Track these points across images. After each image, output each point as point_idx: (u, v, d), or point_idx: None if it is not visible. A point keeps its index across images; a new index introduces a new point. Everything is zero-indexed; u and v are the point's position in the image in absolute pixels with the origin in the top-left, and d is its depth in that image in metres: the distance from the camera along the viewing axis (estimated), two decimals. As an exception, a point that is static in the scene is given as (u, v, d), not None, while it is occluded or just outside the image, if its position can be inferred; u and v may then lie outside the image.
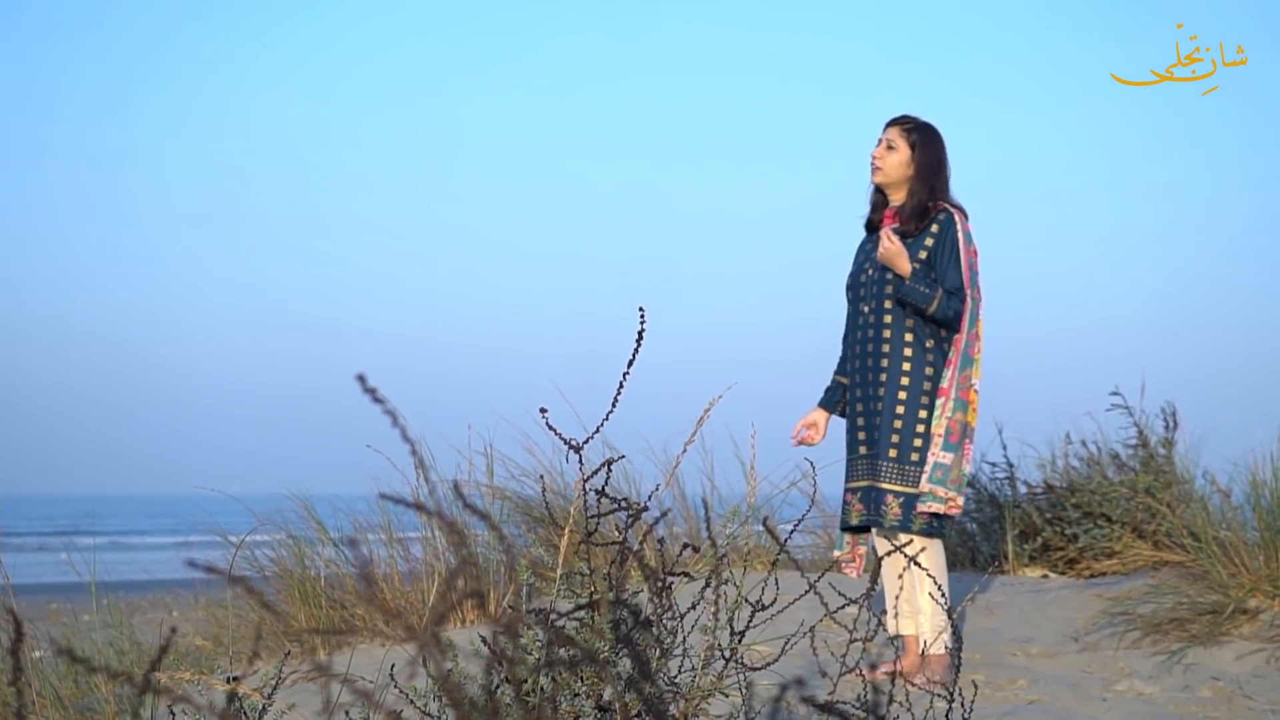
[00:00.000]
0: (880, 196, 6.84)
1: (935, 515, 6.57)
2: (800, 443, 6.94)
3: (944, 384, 6.58)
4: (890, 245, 6.48)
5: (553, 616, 3.28)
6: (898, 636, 6.71)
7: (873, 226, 6.87)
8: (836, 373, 6.95)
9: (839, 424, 6.93)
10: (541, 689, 3.57)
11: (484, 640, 2.46)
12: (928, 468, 6.55)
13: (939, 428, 6.57)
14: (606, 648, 3.35)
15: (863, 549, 6.89)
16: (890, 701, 2.44)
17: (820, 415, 6.92)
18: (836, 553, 6.89)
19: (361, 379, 1.92)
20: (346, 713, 2.93)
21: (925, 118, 6.77)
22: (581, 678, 3.70)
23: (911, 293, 6.49)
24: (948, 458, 6.58)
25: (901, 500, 6.53)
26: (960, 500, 6.63)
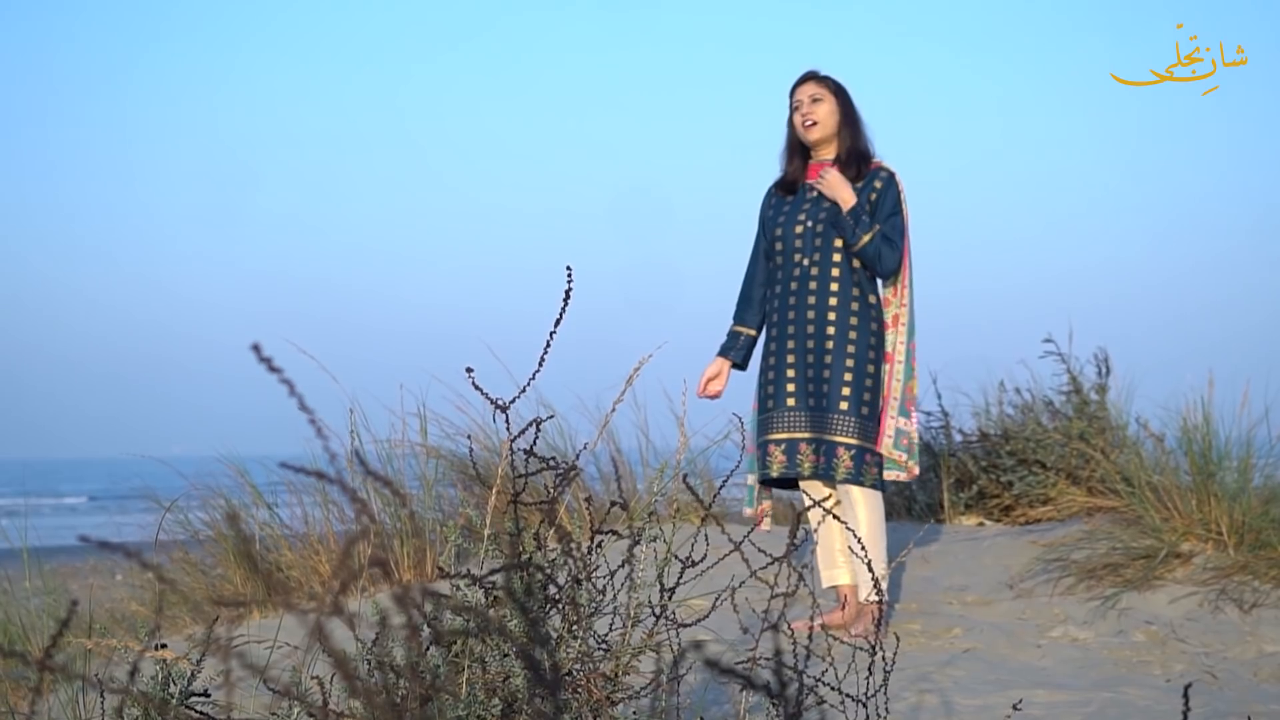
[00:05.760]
0: (801, 159, 6.84)
1: (882, 468, 6.61)
2: (704, 395, 6.92)
3: (892, 350, 6.64)
4: (832, 174, 6.49)
5: (463, 581, 3.26)
6: (834, 587, 6.74)
7: (793, 187, 6.85)
8: (739, 324, 6.92)
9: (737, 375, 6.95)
10: (471, 650, 3.55)
11: (412, 602, 2.43)
12: (889, 433, 6.61)
13: (893, 392, 6.64)
14: (512, 614, 3.32)
15: (768, 503, 6.93)
16: (809, 656, 2.43)
17: (724, 365, 6.89)
18: (747, 510, 6.89)
19: (256, 348, 1.89)
20: (262, 679, 2.90)
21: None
22: (511, 639, 3.68)
23: (846, 222, 6.52)
24: (904, 423, 6.66)
25: (853, 453, 6.54)
26: (916, 467, 6.72)
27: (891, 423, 6.63)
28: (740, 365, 6.89)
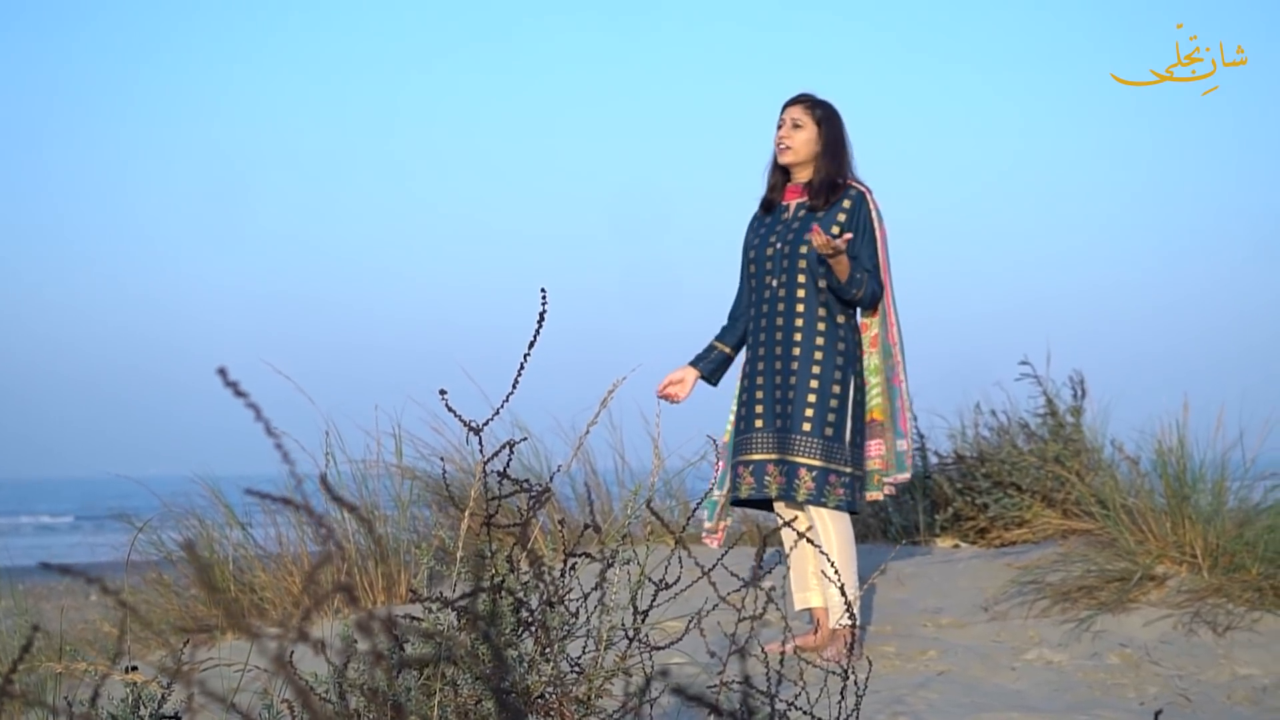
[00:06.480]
0: (781, 176, 6.85)
1: (849, 489, 6.60)
2: (663, 397, 6.92)
3: (882, 372, 6.65)
4: (832, 249, 6.41)
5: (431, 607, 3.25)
6: (807, 610, 6.74)
7: (771, 206, 6.86)
8: (717, 339, 6.93)
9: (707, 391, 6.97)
10: (443, 674, 3.55)
11: (376, 629, 2.42)
12: (892, 455, 6.65)
13: (898, 412, 6.67)
14: (480, 639, 3.32)
15: (727, 522, 6.94)
16: (780, 680, 2.42)
17: (690, 374, 6.90)
18: (706, 524, 6.92)
19: (223, 372, 1.88)
20: (226, 705, 2.90)
21: (823, 96, 6.82)
22: (482, 661, 3.68)
23: (843, 289, 6.51)
24: (904, 445, 6.69)
25: (815, 474, 6.53)
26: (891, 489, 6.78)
27: (904, 442, 6.68)
28: (708, 378, 6.90)
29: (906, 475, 6.72)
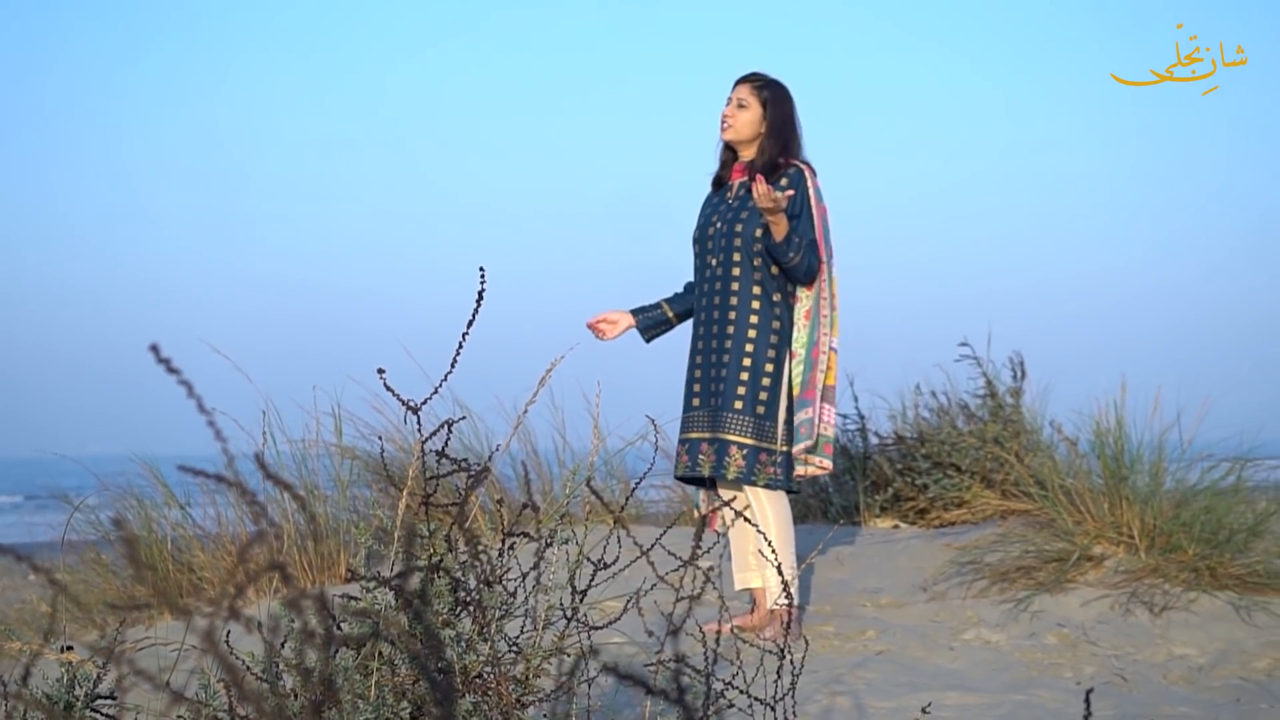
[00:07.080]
0: (729, 154, 6.84)
1: (782, 468, 6.58)
2: (591, 328, 6.91)
3: (817, 343, 6.62)
4: (772, 201, 6.39)
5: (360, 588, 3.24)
6: (747, 590, 6.75)
7: (720, 183, 6.86)
8: (665, 300, 6.94)
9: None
10: (381, 653, 3.53)
11: (306, 608, 2.40)
12: (803, 429, 6.61)
13: (806, 384, 6.63)
14: (414, 619, 3.31)
15: (718, 504, 6.91)
16: (716, 659, 2.42)
17: (625, 318, 6.92)
18: (697, 511, 6.93)
19: (155, 349, 1.87)
20: (157, 685, 2.87)
21: (774, 75, 6.80)
22: (423, 642, 3.67)
23: (780, 248, 6.48)
24: (805, 414, 6.64)
25: (745, 452, 6.53)
26: (828, 462, 6.70)
27: (805, 412, 6.61)
28: (642, 332, 6.91)
29: (806, 444, 6.61)
